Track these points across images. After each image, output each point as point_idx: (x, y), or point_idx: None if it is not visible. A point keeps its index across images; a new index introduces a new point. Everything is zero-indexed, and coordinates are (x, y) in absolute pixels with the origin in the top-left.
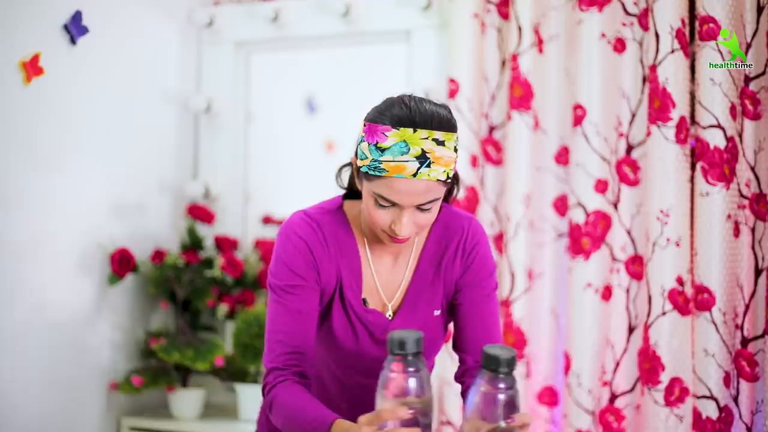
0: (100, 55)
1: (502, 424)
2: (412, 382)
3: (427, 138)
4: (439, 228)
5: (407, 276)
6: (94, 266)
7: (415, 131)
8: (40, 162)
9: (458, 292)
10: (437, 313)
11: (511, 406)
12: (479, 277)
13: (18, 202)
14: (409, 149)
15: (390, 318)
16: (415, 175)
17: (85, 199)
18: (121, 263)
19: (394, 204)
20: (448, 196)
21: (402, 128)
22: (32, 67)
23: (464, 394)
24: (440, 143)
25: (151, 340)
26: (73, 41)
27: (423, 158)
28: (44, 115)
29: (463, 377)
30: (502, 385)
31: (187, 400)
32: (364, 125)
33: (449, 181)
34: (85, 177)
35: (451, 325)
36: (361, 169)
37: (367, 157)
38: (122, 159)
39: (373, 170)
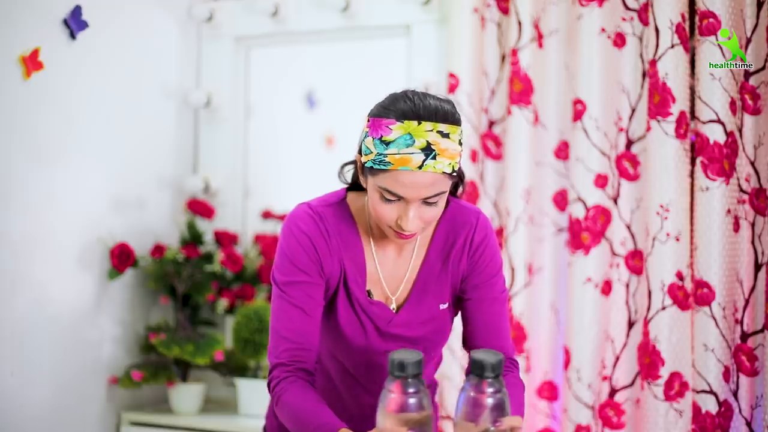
0: (100, 49)
1: (491, 428)
2: (412, 402)
3: (431, 130)
4: (447, 222)
5: (412, 269)
6: (93, 261)
7: (419, 123)
8: (39, 157)
9: (466, 289)
10: (443, 306)
11: (499, 410)
12: (487, 274)
13: (18, 197)
14: (414, 141)
15: (395, 311)
16: (420, 167)
17: (84, 194)
18: (121, 258)
19: (399, 198)
20: (453, 192)
21: (407, 121)
22: (32, 62)
23: None
24: (445, 135)
25: (151, 334)
26: (72, 36)
27: (428, 150)
28: (44, 109)
29: None
30: (488, 390)
31: (186, 395)
32: (368, 121)
33: (455, 174)
34: (84, 171)
35: (458, 322)
36: (365, 165)
37: (371, 152)
38: (122, 154)
39: (378, 164)
